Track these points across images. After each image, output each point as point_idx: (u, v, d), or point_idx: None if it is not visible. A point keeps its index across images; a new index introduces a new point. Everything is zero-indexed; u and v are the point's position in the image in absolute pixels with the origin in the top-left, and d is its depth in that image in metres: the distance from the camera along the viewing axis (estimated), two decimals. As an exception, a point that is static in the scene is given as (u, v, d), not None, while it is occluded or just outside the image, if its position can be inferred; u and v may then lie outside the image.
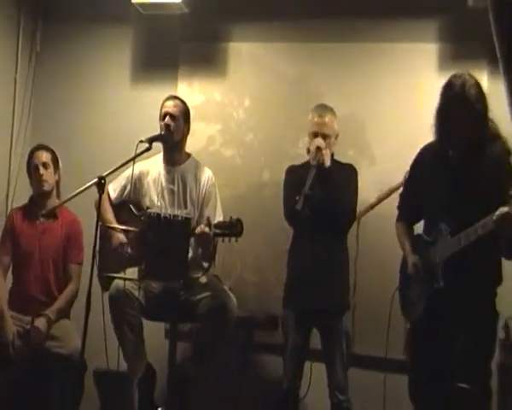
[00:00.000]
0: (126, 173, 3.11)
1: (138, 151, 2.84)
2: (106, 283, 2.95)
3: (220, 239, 2.84)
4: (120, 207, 3.16)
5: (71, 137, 3.81)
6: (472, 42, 3.33)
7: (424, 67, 3.44)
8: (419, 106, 3.24)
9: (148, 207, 3.00)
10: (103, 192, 2.64)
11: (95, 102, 3.88)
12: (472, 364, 2.36)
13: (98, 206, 2.67)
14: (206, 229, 2.82)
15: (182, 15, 3.70)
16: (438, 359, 2.45)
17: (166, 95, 3.24)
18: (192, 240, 2.97)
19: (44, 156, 3.28)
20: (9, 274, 3.31)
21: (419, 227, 2.66)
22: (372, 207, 3.35)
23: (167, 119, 3.09)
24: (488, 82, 3.25)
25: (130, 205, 3.11)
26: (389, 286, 2.74)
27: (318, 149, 2.91)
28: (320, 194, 2.86)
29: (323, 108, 3.04)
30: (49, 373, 3.04)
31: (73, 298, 3.22)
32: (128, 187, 3.13)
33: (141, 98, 3.78)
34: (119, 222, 3.10)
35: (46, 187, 3.26)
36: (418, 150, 2.62)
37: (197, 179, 3.15)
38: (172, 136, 3.10)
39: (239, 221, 2.77)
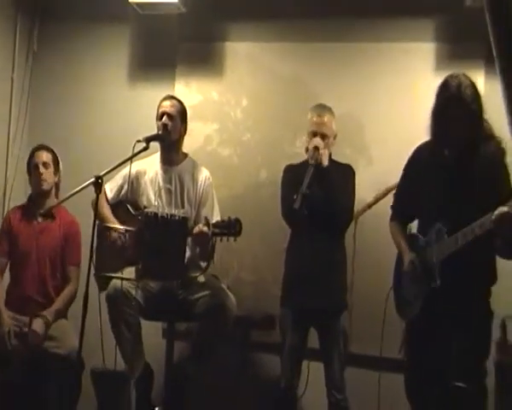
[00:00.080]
0: (123, 173, 3.11)
1: (135, 151, 2.84)
2: (103, 283, 2.95)
3: (218, 239, 2.84)
4: (117, 206, 3.16)
5: (68, 136, 3.80)
6: (469, 42, 3.34)
7: (421, 67, 3.44)
8: (416, 106, 3.24)
9: (145, 207, 3.00)
10: (101, 192, 2.65)
11: (92, 102, 3.88)
12: (468, 363, 2.37)
13: (95, 205, 2.67)
14: (205, 228, 2.82)
15: (179, 15, 3.70)
16: (434, 358, 2.45)
17: (164, 94, 3.24)
18: (189, 240, 2.98)
19: (45, 156, 3.28)
20: (7, 274, 3.31)
21: (412, 227, 2.67)
22: (369, 206, 3.36)
23: (165, 118, 3.09)
24: (485, 82, 3.26)
25: (127, 205, 3.12)
26: (386, 285, 2.74)
27: (316, 148, 2.92)
28: (318, 193, 2.86)
29: (322, 108, 3.05)
30: (46, 373, 3.04)
31: (72, 299, 3.22)
32: (125, 187, 3.14)
33: (138, 98, 3.78)
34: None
35: (45, 186, 3.26)
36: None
37: (194, 179, 3.15)
38: (170, 135, 3.10)
39: (237, 221, 2.78)
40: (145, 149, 2.88)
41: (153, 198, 3.10)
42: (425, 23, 3.48)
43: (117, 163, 2.81)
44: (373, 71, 3.51)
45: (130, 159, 2.86)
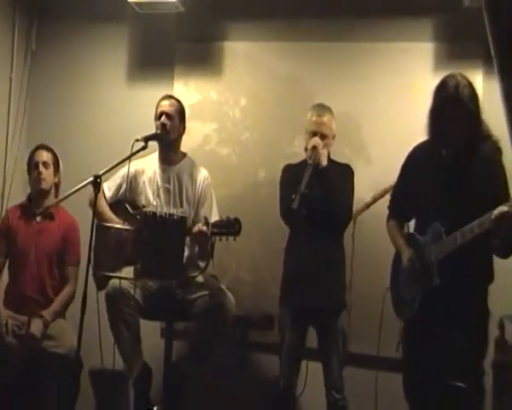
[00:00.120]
0: (122, 172, 3.11)
1: (134, 150, 2.84)
2: (101, 282, 2.95)
3: (217, 238, 2.84)
4: (116, 206, 3.16)
5: (67, 136, 3.80)
6: (467, 42, 3.34)
7: (419, 67, 3.44)
8: (414, 105, 3.25)
9: (143, 206, 3.00)
10: (99, 191, 2.65)
11: (90, 101, 3.88)
12: (466, 362, 2.38)
13: (94, 204, 2.67)
14: (204, 228, 2.83)
15: (178, 14, 3.70)
16: (432, 357, 2.45)
17: (162, 94, 3.24)
18: (188, 239, 2.98)
19: (45, 156, 3.28)
20: (6, 273, 3.31)
21: (409, 226, 2.67)
22: (368, 206, 3.36)
23: (163, 118, 3.09)
24: (483, 82, 3.27)
25: (125, 204, 3.11)
26: (384, 285, 2.74)
27: (314, 148, 2.92)
28: (316, 193, 2.86)
29: (322, 108, 3.05)
30: (45, 372, 3.04)
31: (70, 300, 3.22)
32: (123, 186, 3.13)
33: (137, 97, 3.78)
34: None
35: (43, 185, 3.25)
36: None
37: (193, 179, 3.15)
38: (168, 135, 3.10)
39: (237, 220, 2.78)
40: (143, 148, 2.88)
41: (151, 197, 3.10)
42: (423, 23, 3.48)
43: (115, 162, 2.81)
44: (371, 70, 3.51)
45: (129, 158, 2.86)
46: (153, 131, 3.08)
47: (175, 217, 2.88)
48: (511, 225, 2.21)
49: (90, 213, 2.77)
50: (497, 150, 2.45)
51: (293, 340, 2.94)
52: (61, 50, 3.93)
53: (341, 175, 3.01)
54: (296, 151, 3.45)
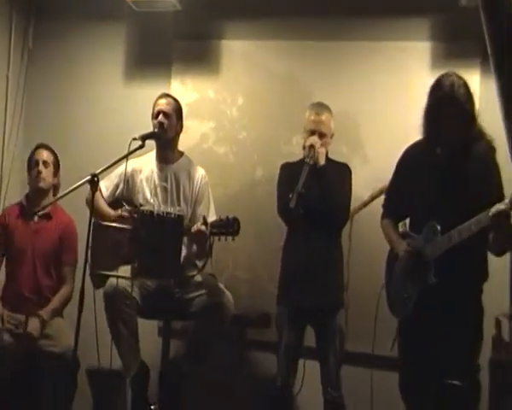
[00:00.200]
0: (118, 171, 3.11)
1: (131, 149, 2.83)
2: (98, 280, 2.95)
3: (216, 238, 2.84)
4: (112, 205, 3.16)
5: (64, 134, 3.79)
6: (465, 41, 3.34)
7: (417, 66, 3.44)
8: (412, 104, 3.23)
9: (141, 205, 3.00)
10: (96, 190, 2.64)
11: (88, 100, 3.87)
12: (461, 359, 2.39)
13: (91, 203, 2.66)
14: (203, 227, 2.83)
15: (175, 13, 3.70)
16: (428, 355, 2.46)
17: (160, 92, 3.24)
18: (185, 238, 2.98)
19: (46, 155, 3.28)
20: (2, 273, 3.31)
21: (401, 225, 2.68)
22: (365, 205, 3.36)
23: (160, 117, 3.09)
24: (480, 80, 3.28)
25: (123, 203, 3.11)
26: (381, 284, 2.74)
27: (312, 146, 2.92)
28: (314, 192, 2.86)
29: (320, 106, 3.05)
30: (41, 371, 3.04)
31: (68, 300, 3.22)
32: (121, 185, 3.13)
33: (134, 96, 3.77)
34: (111, 220, 3.08)
35: (42, 184, 3.25)
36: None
37: (190, 177, 3.15)
38: (166, 133, 3.10)
39: (236, 220, 2.78)
40: (141, 147, 2.88)
41: (149, 196, 3.10)
42: (420, 22, 3.48)
43: (113, 161, 2.81)
44: (368, 69, 3.51)
45: (126, 157, 2.85)
46: (150, 129, 3.08)
47: (172, 216, 2.88)
48: (508, 222, 2.23)
49: (87, 211, 2.76)
50: (491, 149, 2.47)
51: (290, 339, 2.94)
52: (58, 48, 3.93)
53: (339, 174, 3.01)
54: (293, 150, 3.45)
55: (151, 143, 3.09)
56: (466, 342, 2.40)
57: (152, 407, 2.97)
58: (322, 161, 2.92)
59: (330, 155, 3.05)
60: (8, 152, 3.83)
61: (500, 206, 2.22)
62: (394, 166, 2.70)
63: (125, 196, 3.12)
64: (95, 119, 3.83)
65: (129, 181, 3.12)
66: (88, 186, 2.64)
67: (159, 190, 3.11)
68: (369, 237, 3.29)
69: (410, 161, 2.62)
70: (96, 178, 2.59)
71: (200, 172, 3.18)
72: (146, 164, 3.17)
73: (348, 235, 3.25)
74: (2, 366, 3.00)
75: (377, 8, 3.49)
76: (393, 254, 2.65)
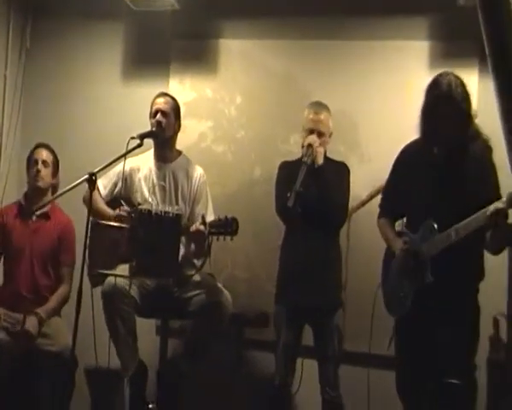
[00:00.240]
0: (117, 170, 3.11)
1: (129, 148, 2.83)
2: (95, 279, 2.95)
3: (215, 238, 2.84)
4: (110, 203, 3.15)
5: (61, 133, 3.79)
6: (463, 40, 3.34)
7: (414, 65, 3.45)
8: (409, 104, 3.22)
9: (139, 204, 3.00)
10: (94, 188, 2.64)
11: (85, 99, 3.87)
12: (458, 359, 2.40)
13: (89, 202, 2.66)
14: (202, 227, 2.83)
15: (173, 12, 3.70)
16: (425, 354, 2.47)
17: (158, 91, 3.23)
18: (184, 237, 2.98)
19: (45, 155, 3.28)
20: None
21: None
22: (363, 204, 3.36)
23: (159, 116, 3.09)
24: (479, 80, 3.28)
25: (121, 201, 3.11)
26: (379, 283, 2.75)
27: (310, 145, 2.92)
28: (312, 191, 2.86)
29: (319, 105, 3.05)
30: (39, 371, 3.03)
31: (66, 299, 3.22)
32: (119, 184, 3.13)
33: (132, 95, 3.77)
34: (109, 219, 3.08)
35: (40, 183, 3.24)
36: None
37: (189, 176, 3.15)
38: (164, 132, 3.10)
39: (234, 220, 2.78)
40: (139, 145, 2.88)
41: (147, 195, 3.10)
42: (418, 21, 3.48)
43: (111, 160, 2.81)
44: (366, 69, 3.51)
45: (124, 156, 2.85)
46: (148, 128, 3.08)
47: (170, 215, 2.88)
48: (506, 221, 2.24)
49: (85, 211, 2.76)
50: (487, 149, 2.48)
51: (288, 338, 2.94)
52: (56, 48, 3.92)
53: (337, 173, 3.01)
54: (291, 149, 3.46)
55: (149, 142, 3.09)
56: (462, 341, 2.41)
57: (150, 406, 2.97)
58: (320, 161, 2.92)
59: (328, 154, 3.05)
60: (6, 152, 3.82)
61: (498, 204, 2.23)
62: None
63: (123, 194, 3.12)
64: (93, 118, 3.83)
65: (127, 180, 3.12)
66: (86, 185, 2.64)
67: (157, 189, 3.11)
68: (366, 237, 3.29)
69: (407, 159, 2.62)
70: (93, 177, 2.60)
71: (198, 171, 3.18)
72: (144, 163, 3.17)
73: (346, 234, 3.25)
74: (0, 365, 3.00)
75: (375, 8, 3.50)
76: (390, 252, 2.66)
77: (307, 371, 3.07)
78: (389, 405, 2.75)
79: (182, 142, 3.29)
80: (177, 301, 2.98)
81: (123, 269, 2.92)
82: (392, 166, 2.69)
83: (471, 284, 2.50)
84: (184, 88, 3.76)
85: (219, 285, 3.00)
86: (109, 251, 2.97)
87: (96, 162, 2.75)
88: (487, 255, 2.51)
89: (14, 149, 3.82)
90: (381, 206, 2.77)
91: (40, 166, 3.24)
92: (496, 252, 2.45)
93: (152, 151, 3.19)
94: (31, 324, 3.05)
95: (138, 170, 3.15)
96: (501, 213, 2.22)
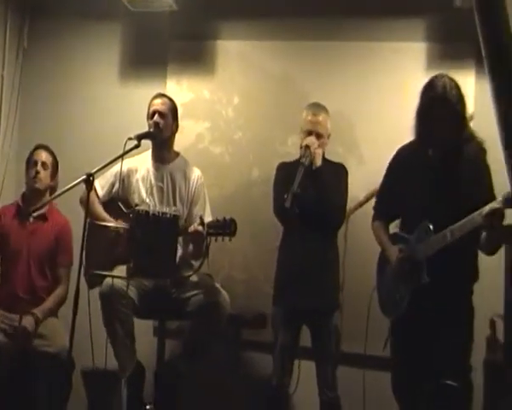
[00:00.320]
0: (114, 170, 3.10)
1: (127, 148, 2.83)
2: (92, 280, 2.95)
3: (213, 238, 2.84)
4: (108, 204, 3.15)
5: (59, 134, 3.78)
6: (459, 42, 3.35)
7: (411, 67, 3.45)
8: (407, 105, 3.20)
9: (136, 205, 3.00)
10: (92, 189, 2.64)
11: (83, 100, 3.86)
12: (453, 360, 2.40)
13: (86, 203, 2.66)
14: (200, 228, 2.83)
15: (171, 13, 3.69)
16: (420, 356, 2.47)
17: (155, 92, 3.24)
18: (181, 238, 2.98)
19: (45, 156, 3.27)
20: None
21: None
22: (360, 205, 3.37)
23: (156, 117, 3.09)
24: (476, 82, 3.29)
25: (118, 202, 3.11)
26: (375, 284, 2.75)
27: (307, 147, 2.92)
28: (309, 193, 2.86)
29: (317, 107, 3.05)
30: (36, 372, 3.03)
31: (62, 301, 3.21)
32: (116, 184, 3.13)
33: (129, 95, 3.76)
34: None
35: (38, 185, 3.24)
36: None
37: (186, 178, 3.15)
38: (161, 133, 3.10)
39: (233, 221, 2.79)
40: (136, 146, 2.88)
41: (144, 196, 3.10)
42: (415, 23, 3.49)
43: (108, 161, 2.81)
44: (364, 70, 3.52)
45: (122, 156, 2.85)
46: (146, 129, 3.08)
47: (168, 216, 2.88)
48: (501, 221, 2.25)
49: (83, 211, 2.76)
50: (481, 151, 2.49)
51: (286, 339, 2.94)
52: (54, 48, 3.92)
53: (335, 175, 3.01)
54: (289, 150, 3.46)
55: (146, 142, 3.09)
56: (457, 342, 2.42)
57: (147, 407, 2.97)
58: (318, 162, 2.92)
59: (326, 156, 3.06)
60: (3, 152, 3.81)
61: (494, 205, 2.24)
62: (388, 167, 2.71)
63: (121, 195, 3.12)
64: (90, 119, 3.83)
65: (124, 181, 3.12)
66: (83, 186, 2.64)
67: (155, 189, 3.11)
68: (364, 238, 3.28)
69: (402, 162, 2.63)
70: (91, 178, 2.59)
71: (196, 173, 3.18)
72: (142, 164, 3.17)
73: (343, 235, 3.25)
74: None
75: (372, 9, 3.50)
76: (384, 256, 2.67)
77: (304, 371, 3.06)
78: (385, 406, 2.76)
79: (179, 143, 3.29)
80: (174, 301, 2.98)
81: (120, 270, 2.92)
82: (386, 168, 2.70)
83: (466, 285, 2.51)
84: (182, 89, 3.75)
85: (217, 286, 3.00)
86: (106, 252, 2.97)
87: (93, 163, 2.75)
88: (484, 256, 2.51)
89: (11, 149, 3.81)
90: (375, 208, 2.78)
91: (39, 167, 3.23)
92: (490, 253, 2.46)
93: (150, 152, 3.19)
94: (27, 322, 3.05)
95: (136, 171, 3.15)
96: (497, 214, 2.23)
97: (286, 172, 3.03)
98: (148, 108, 3.15)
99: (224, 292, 2.96)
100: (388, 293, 2.61)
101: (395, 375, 2.62)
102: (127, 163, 3.07)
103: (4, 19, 3.85)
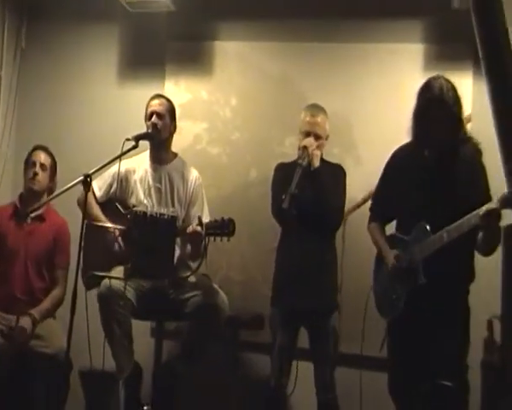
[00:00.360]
0: (111, 171, 3.10)
1: (124, 149, 2.83)
2: (90, 281, 2.94)
3: (211, 239, 2.84)
4: (106, 205, 3.15)
5: (57, 134, 3.78)
6: (457, 43, 3.36)
7: (408, 68, 3.46)
8: (404, 106, 3.20)
9: (134, 206, 3.00)
10: (89, 190, 2.64)
11: (81, 100, 3.86)
12: (450, 360, 2.41)
13: (84, 204, 2.66)
14: (198, 228, 2.83)
15: (169, 14, 3.70)
16: (417, 356, 2.48)
17: (153, 93, 3.24)
18: (179, 239, 2.98)
19: (43, 158, 3.26)
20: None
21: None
22: (358, 206, 3.37)
23: (154, 117, 3.09)
24: (473, 83, 3.30)
25: (116, 203, 3.11)
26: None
27: (305, 148, 2.92)
28: (307, 194, 2.86)
29: (316, 108, 3.06)
30: (33, 373, 3.03)
31: (60, 302, 3.21)
32: (114, 185, 3.13)
33: (127, 96, 3.77)
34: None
35: (36, 186, 3.23)
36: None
37: (184, 179, 3.15)
38: (159, 134, 3.10)
39: (231, 221, 2.79)
40: (134, 147, 2.88)
41: (142, 197, 3.10)
42: (412, 24, 3.50)
43: (106, 162, 2.81)
44: (361, 71, 3.53)
45: (119, 157, 2.85)
46: (144, 130, 3.08)
47: (165, 217, 2.89)
48: (498, 222, 2.26)
49: (80, 213, 2.76)
50: (477, 152, 2.50)
51: (284, 340, 2.94)
52: (51, 49, 3.92)
53: (333, 176, 3.01)
54: (286, 151, 3.46)
55: (144, 143, 3.09)
56: (454, 342, 2.43)
57: (145, 408, 2.97)
58: (316, 163, 2.93)
59: (324, 157, 3.06)
60: (1, 152, 3.81)
61: (490, 205, 2.25)
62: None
63: (118, 196, 3.12)
64: (88, 119, 3.83)
65: (122, 182, 3.12)
66: (81, 187, 2.63)
67: (153, 190, 3.11)
68: (362, 239, 3.27)
69: (399, 163, 2.64)
70: (88, 179, 2.59)
71: (194, 174, 3.18)
72: (139, 165, 3.17)
73: (341, 236, 3.26)
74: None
75: (370, 11, 3.51)
76: (381, 257, 2.67)
77: (302, 372, 3.07)
78: (381, 406, 2.76)
79: (177, 144, 3.29)
80: (172, 302, 2.98)
81: (118, 271, 2.92)
82: (383, 169, 2.71)
83: (462, 286, 2.52)
84: (180, 90, 3.76)
85: (216, 287, 3.00)
86: (104, 253, 2.96)
87: (91, 164, 2.75)
88: (481, 257, 2.52)
89: (9, 149, 3.81)
90: (371, 210, 2.79)
91: (38, 168, 3.23)
92: (487, 253, 2.47)
93: (147, 153, 3.19)
94: (24, 323, 3.04)
95: (134, 172, 3.15)
96: (493, 214, 2.24)
97: (284, 172, 3.03)
98: (146, 109, 3.15)
99: (222, 293, 2.96)
100: (385, 293, 2.62)
101: (392, 375, 2.63)
102: (125, 164, 3.08)
103: (2, 19, 3.85)
